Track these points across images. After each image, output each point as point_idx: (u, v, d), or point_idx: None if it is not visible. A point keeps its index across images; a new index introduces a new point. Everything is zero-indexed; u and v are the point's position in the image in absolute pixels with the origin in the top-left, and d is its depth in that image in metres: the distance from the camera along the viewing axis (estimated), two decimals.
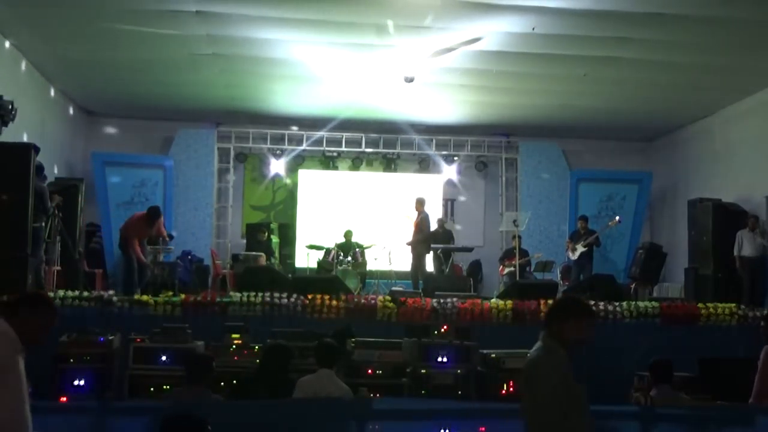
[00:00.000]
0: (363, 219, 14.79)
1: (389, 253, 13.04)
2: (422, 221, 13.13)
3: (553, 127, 15.36)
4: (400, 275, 13.23)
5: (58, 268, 10.72)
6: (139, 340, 7.51)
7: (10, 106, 9.48)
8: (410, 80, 11.89)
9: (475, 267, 15.07)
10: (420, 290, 11.43)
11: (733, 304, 9.57)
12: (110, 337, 7.48)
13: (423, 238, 13.04)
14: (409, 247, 13.21)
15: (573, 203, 15.39)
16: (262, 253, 13.23)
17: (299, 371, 6.08)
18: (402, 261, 13.57)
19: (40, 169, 9.84)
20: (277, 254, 14.45)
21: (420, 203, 13.32)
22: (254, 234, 14.37)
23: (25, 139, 9.69)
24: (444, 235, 14.00)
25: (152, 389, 7.13)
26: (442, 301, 9.22)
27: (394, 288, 11.49)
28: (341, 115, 14.78)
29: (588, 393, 3.70)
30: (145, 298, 8.83)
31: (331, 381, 5.71)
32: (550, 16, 9.76)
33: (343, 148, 15.89)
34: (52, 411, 5.54)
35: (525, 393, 3.70)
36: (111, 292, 9.32)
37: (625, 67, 11.54)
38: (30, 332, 3.62)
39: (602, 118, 14.71)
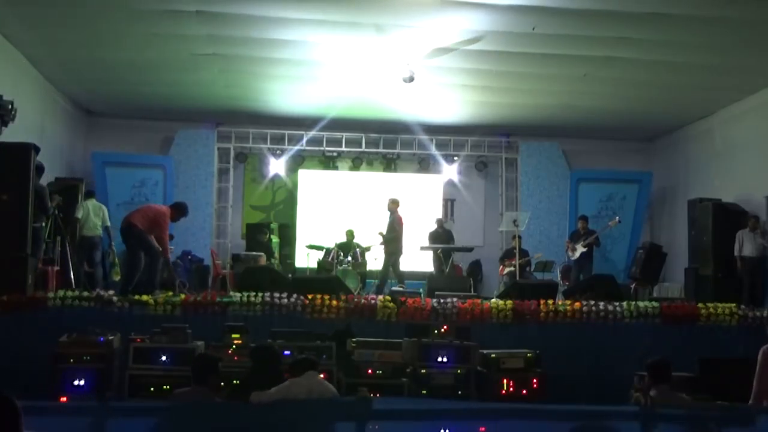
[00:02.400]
0: (363, 219, 14.77)
1: None
2: (394, 221, 12.68)
3: (553, 127, 15.37)
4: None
5: (58, 268, 10.72)
6: (139, 340, 7.49)
7: (10, 106, 9.47)
8: (410, 80, 11.90)
9: (475, 267, 15.09)
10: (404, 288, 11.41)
11: (733, 304, 9.54)
12: (110, 337, 7.46)
13: (393, 238, 12.61)
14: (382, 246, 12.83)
15: (573, 203, 15.42)
16: (262, 253, 13.24)
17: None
18: (402, 261, 13.56)
19: (40, 169, 9.85)
20: (277, 254, 14.46)
21: (393, 203, 12.83)
22: (254, 234, 14.38)
23: (25, 139, 9.67)
24: (444, 235, 14.00)
25: (152, 389, 7.11)
26: (442, 301, 9.21)
27: (394, 288, 11.48)
28: (341, 114, 14.79)
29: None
30: (145, 298, 8.81)
31: (317, 380, 5.82)
32: (550, 16, 9.76)
33: (343, 148, 15.90)
34: (52, 411, 5.54)
35: None
36: (111, 292, 9.31)
37: (625, 67, 11.54)
38: None
39: (602, 118, 14.72)
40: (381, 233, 12.82)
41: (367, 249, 13.40)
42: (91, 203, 11.69)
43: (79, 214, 11.31)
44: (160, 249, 9.67)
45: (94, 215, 11.49)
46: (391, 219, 12.68)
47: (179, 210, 10.23)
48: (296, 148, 15.65)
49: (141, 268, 9.61)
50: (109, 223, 11.64)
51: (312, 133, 15.51)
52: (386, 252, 12.64)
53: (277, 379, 5.93)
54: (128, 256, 9.97)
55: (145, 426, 5.26)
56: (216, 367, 5.88)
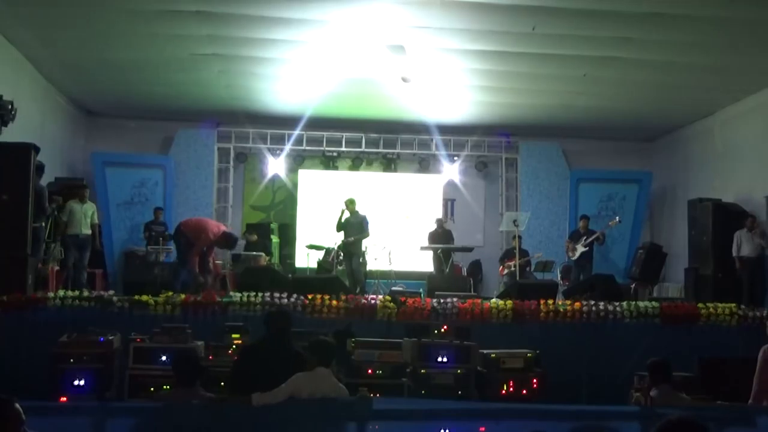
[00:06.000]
0: None
1: (389, 253, 13.01)
2: (363, 221, 12.51)
3: (553, 127, 15.36)
4: (400, 275, 13.21)
5: (58, 268, 10.73)
6: (139, 340, 7.49)
7: (10, 106, 9.47)
8: (407, 80, 11.88)
9: (475, 267, 15.07)
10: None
11: (733, 304, 9.54)
12: (110, 337, 7.46)
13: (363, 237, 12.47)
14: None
15: (573, 203, 15.42)
16: (262, 253, 13.23)
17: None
18: (402, 261, 13.56)
19: (40, 169, 9.85)
20: (277, 254, 14.45)
21: (351, 203, 12.64)
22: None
23: (25, 139, 9.68)
24: (444, 235, 14.00)
25: (152, 389, 7.09)
26: (442, 301, 9.21)
27: (394, 288, 11.48)
28: (341, 114, 14.81)
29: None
30: (145, 298, 8.81)
31: (328, 380, 5.55)
32: (550, 16, 9.77)
33: (343, 148, 15.89)
34: (52, 411, 5.54)
35: None
36: (111, 292, 9.32)
37: (625, 67, 11.54)
38: None
39: (602, 118, 14.71)
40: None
41: (365, 252, 13.35)
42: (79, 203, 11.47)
43: (65, 216, 11.20)
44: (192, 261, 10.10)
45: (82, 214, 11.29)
46: (361, 218, 12.54)
47: (227, 240, 10.53)
48: (297, 148, 15.63)
49: (185, 271, 10.19)
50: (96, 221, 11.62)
51: (313, 134, 15.52)
52: (357, 252, 12.45)
53: (287, 344, 5.92)
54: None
55: (145, 426, 5.27)
56: (200, 367, 5.85)
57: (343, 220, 12.49)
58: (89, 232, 11.32)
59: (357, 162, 16.06)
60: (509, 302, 9.22)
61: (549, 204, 15.75)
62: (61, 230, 11.07)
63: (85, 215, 11.30)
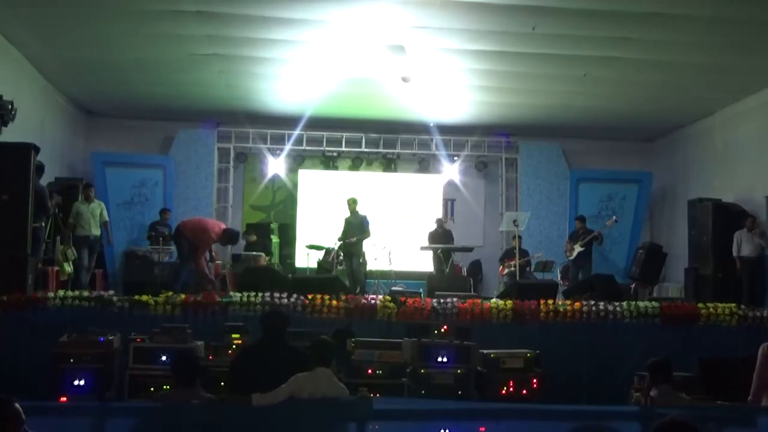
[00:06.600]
0: None
1: (389, 253, 13.02)
2: (363, 221, 12.58)
3: (553, 127, 15.37)
4: (400, 275, 13.22)
5: (58, 268, 10.72)
6: (139, 340, 7.48)
7: (10, 106, 9.47)
8: (407, 80, 11.86)
9: (475, 267, 15.07)
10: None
11: (733, 304, 9.54)
12: (110, 337, 7.46)
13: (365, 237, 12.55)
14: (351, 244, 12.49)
15: (573, 203, 15.43)
16: (262, 253, 13.24)
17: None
18: (402, 261, 13.56)
19: (40, 169, 9.85)
20: (277, 254, 14.45)
21: (353, 202, 12.71)
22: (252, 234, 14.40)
23: (25, 139, 9.68)
24: (444, 235, 14.00)
25: (152, 389, 7.08)
26: (442, 301, 9.21)
27: (394, 288, 11.48)
28: (341, 114, 14.80)
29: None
30: (145, 298, 8.81)
31: (329, 380, 5.54)
32: (550, 16, 9.77)
33: (343, 148, 15.90)
34: (52, 411, 5.54)
35: None
36: (111, 292, 9.32)
37: (625, 67, 11.55)
38: None
39: (602, 118, 14.72)
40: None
41: (364, 252, 13.35)
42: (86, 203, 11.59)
43: (72, 218, 11.33)
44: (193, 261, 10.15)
45: (90, 214, 11.42)
46: (362, 218, 12.55)
47: (229, 237, 10.59)
48: (297, 148, 15.63)
49: (185, 271, 10.28)
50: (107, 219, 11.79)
51: (313, 134, 15.52)
52: (357, 252, 12.48)
53: (287, 349, 5.91)
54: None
55: (145, 426, 5.27)
56: (200, 367, 5.85)
57: (343, 226, 12.49)
58: (99, 232, 11.39)
59: (357, 162, 16.06)
60: (509, 302, 9.21)
61: (549, 204, 15.75)
62: (68, 232, 11.12)
63: (92, 215, 11.35)
